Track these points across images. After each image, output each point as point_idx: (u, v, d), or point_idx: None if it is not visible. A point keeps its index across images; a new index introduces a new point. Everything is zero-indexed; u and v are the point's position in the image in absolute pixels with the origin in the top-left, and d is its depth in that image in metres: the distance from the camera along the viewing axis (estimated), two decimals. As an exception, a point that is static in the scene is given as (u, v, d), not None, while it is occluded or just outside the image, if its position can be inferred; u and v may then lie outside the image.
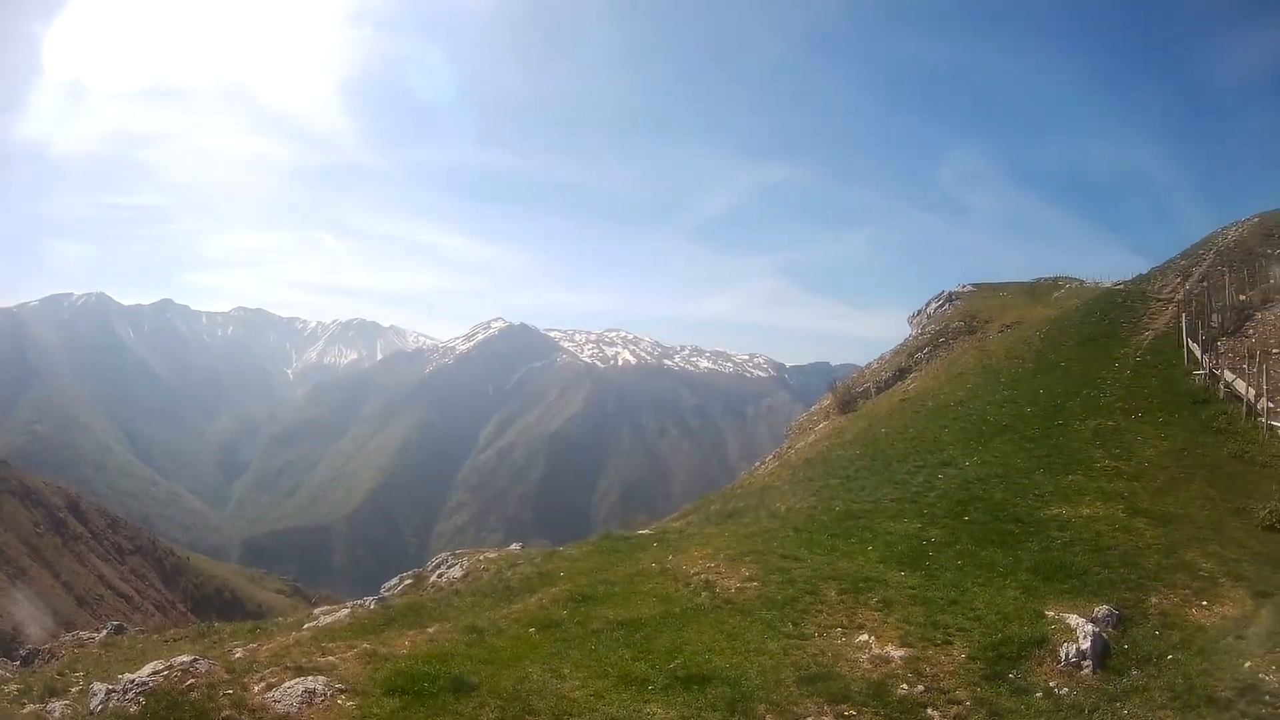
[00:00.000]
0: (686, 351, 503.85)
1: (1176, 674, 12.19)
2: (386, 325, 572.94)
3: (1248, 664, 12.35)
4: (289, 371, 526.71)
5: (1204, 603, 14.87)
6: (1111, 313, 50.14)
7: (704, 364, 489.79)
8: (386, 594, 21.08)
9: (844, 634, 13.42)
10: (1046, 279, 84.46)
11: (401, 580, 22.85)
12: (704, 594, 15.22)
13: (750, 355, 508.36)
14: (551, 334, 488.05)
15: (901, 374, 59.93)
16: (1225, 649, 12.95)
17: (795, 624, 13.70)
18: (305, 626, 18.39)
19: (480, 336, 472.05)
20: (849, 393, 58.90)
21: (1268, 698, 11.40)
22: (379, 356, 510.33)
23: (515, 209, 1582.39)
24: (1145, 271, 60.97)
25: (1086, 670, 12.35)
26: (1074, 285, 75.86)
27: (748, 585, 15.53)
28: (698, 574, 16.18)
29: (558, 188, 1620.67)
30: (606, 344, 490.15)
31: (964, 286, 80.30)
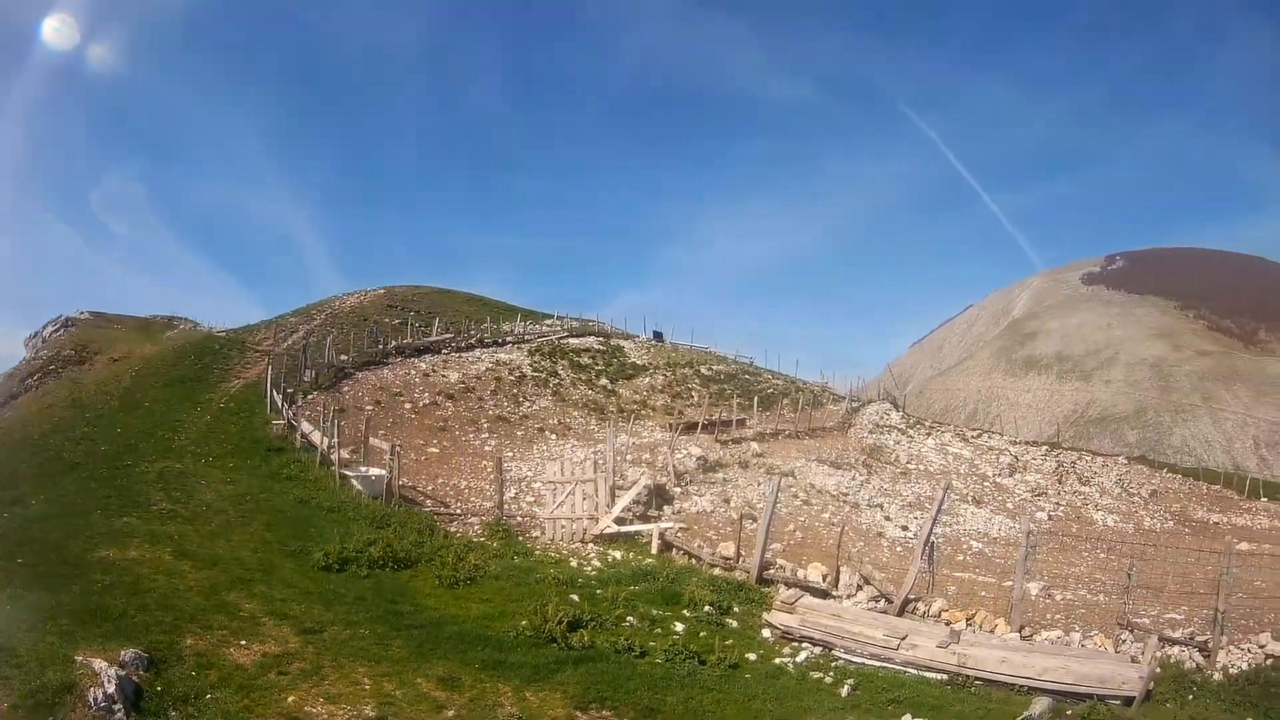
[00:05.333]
0: None
1: (216, 712, 11.69)
2: None
3: (291, 698, 12.26)
4: None
5: (243, 642, 14.32)
6: (205, 358, 50.42)
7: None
8: None
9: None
10: (163, 316, 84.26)
11: None
12: None
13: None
14: None
15: (12, 399, 56.64)
16: (267, 685, 12.65)
17: None
18: None
19: None
20: (-53, 420, 52.13)
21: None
22: None
23: None
24: (254, 323, 63.52)
25: (120, 714, 11.36)
26: (188, 327, 77.54)
27: None
28: None
29: None
30: None
31: (83, 313, 77.41)
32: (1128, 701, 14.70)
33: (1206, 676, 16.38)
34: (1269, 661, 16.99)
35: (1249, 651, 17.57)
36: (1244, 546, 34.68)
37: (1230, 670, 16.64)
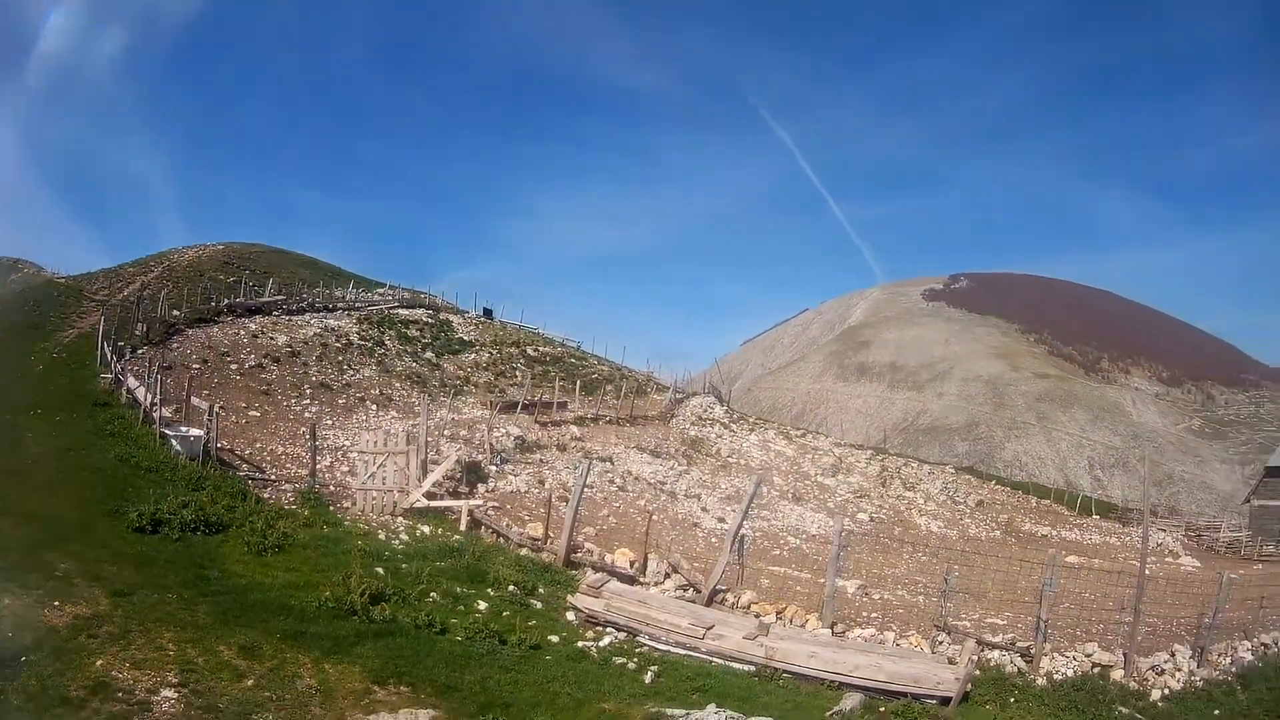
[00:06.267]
0: None
1: (31, 676, 11.66)
2: None
3: (100, 662, 12.35)
4: None
5: (56, 603, 14.28)
6: (44, 305, 49.36)
7: None
8: None
9: None
10: (9, 259, 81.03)
11: None
12: None
13: None
14: None
15: None
16: (77, 648, 12.73)
17: None
18: None
19: None
20: None
21: (120, 694, 11.57)
22: None
23: None
24: (94, 270, 62.49)
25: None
26: (31, 271, 75.65)
27: None
28: None
29: None
30: None
31: (-69, 254, 75.38)
32: (944, 701, 15.06)
33: (1029, 681, 16.96)
34: (1095, 669, 17.70)
35: (1074, 659, 18.16)
36: (1073, 559, 36.55)
37: (1054, 676, 17.27)
